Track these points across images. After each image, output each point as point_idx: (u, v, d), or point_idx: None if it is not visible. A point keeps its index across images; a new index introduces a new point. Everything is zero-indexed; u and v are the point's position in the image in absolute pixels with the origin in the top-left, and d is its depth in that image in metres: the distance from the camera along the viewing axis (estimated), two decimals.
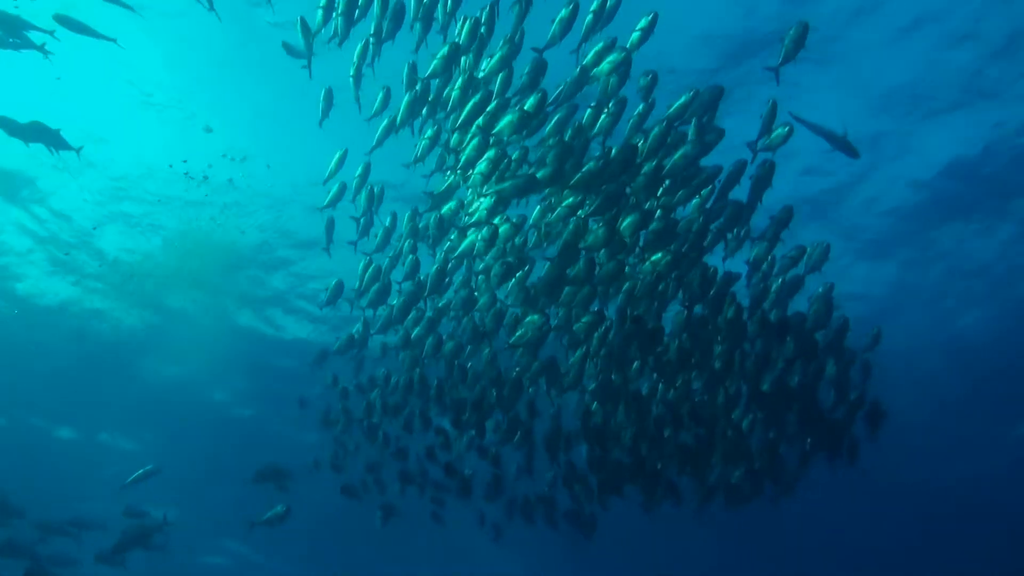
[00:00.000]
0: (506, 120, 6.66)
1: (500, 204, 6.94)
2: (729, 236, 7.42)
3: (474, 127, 6.88)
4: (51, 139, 8.49)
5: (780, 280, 7.73)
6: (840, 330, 7.74)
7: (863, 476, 9.00)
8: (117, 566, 13.48)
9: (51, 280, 17.72)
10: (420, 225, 8.09)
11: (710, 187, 7.06)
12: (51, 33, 8.34)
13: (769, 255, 7.66)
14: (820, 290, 7.63)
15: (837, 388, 7.89)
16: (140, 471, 13.49)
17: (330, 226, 8.89)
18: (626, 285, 7.37)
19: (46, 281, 17.73)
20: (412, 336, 8.84)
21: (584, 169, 6.66)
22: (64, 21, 8.39)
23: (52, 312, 18.85)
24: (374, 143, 7.79)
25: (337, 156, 8.42)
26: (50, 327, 19.30)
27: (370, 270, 8.49)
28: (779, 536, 30.90)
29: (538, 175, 6.70)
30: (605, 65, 6.64)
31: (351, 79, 7.26)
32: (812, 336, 7.66)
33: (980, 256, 15.35)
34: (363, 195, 8.22)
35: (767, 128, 7.07)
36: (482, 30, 6.66)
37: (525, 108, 6.56)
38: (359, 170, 8.22)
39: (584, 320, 7.33)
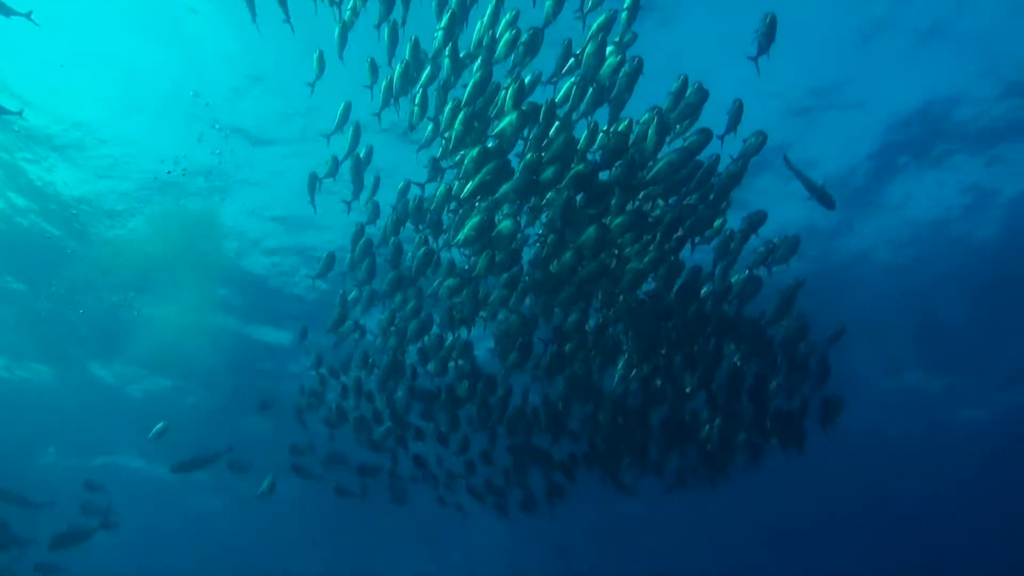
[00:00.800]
0: (506, 120, 6.60)
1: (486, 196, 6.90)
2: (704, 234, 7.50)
3: (462, 114, 6.90)
4: None
5: (745, 273, 7.79)
6: (800, 329, 7.82)
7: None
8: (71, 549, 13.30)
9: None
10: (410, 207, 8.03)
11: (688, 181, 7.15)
12: None
13: (737, 247, 7.66)
14: (791, 283, 7.75)
15: (791, 382, 7.96)
16: (156, 428, 13.34)
17: (313, 183, 8.74)
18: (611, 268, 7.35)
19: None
20: (396, 319, 8.76)
21: (574, 170, 6.59)
22: None
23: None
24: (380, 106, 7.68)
25: (341, 109, 8.22)
26: None
27: (361, 242, 8.31)
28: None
29: (540, 177, 6.63)
30: (607, 69, 6.71)
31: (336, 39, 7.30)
32: (766, 333, 7.79)
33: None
34: (350, 161, 8.11)
35: (733, 125, 7.14)
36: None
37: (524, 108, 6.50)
38: (349, 133, 8.08)
39: (571, 319, 7.39)
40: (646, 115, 6.68)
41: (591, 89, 6.79)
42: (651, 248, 7.22)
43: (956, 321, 18.44)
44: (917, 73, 11.96)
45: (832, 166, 13.96)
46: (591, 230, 6.68)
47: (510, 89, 6.61)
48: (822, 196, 8.75)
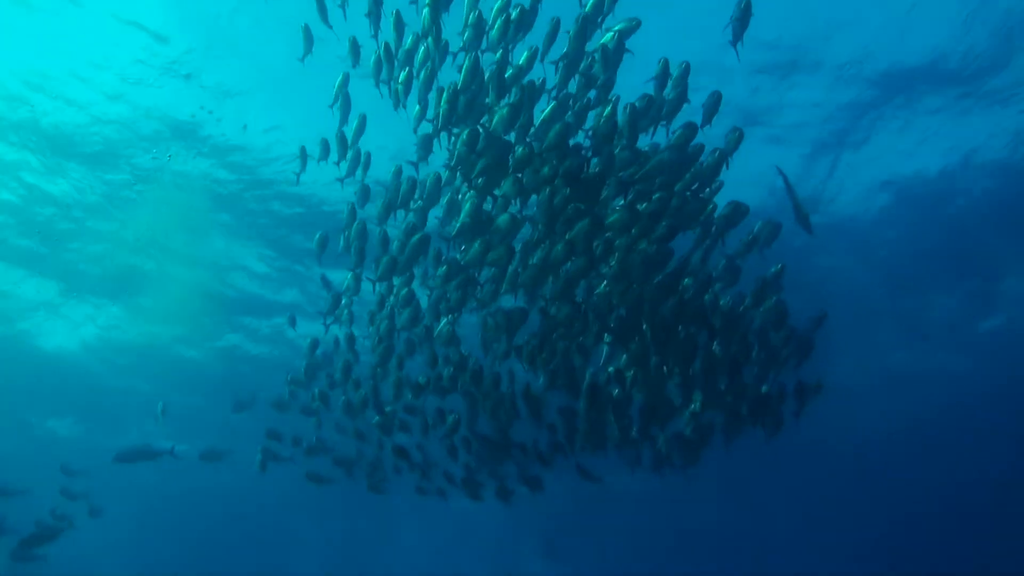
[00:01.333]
0: (497, 117, 6.63)
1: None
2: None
3: (446, 97, 6.89)
4: None
5: (724, 261, 7.82)
6: (779, 315, 7.87)
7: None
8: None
9: None
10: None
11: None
12: None
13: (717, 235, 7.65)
14: (773, 269, 7.76)
15: (767, 367, 8.05)
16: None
17: (303, 155, 8.93)
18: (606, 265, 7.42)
19: None
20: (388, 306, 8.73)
21: (564, 165, 6.55)
22: None
23: None
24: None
25: (340, 80, 8.14)
26: None
27: (355, 225, 8.20)
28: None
29: (543, 171, 6.59)
30: (597, 66, 6.76)
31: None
32: (743, 318, 7.84)
33: None
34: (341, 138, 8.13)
35: (708, 118, 7.22)
36: None
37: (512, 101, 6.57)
38: (339, 100, 8.09)
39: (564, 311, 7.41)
40: (633, 104, 6.67)
41: (577, 72, 6.83)
42: (641, 242, 7.24)
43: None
44: (899, 27, 11.74)
45: (811, 128, 13.86)
46: (583, 223, 6.69)
47: (493, 81, 6.64)
48: (803, 220, 8.97)
